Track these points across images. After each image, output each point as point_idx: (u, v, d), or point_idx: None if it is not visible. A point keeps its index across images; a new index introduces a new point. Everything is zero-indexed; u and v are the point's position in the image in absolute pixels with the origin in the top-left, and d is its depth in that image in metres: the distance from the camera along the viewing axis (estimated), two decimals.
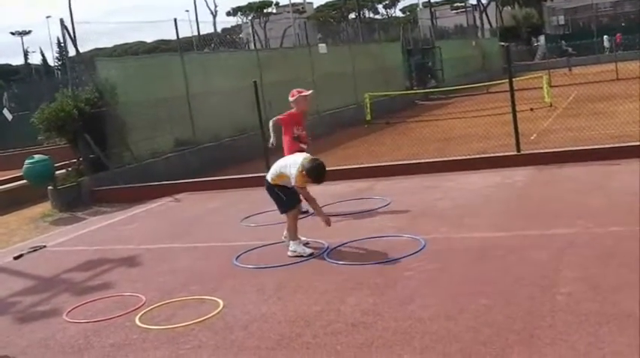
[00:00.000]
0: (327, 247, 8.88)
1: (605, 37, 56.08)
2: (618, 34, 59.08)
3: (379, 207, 11.15)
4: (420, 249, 8.36)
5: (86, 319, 7.37)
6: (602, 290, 6.28)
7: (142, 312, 7.31)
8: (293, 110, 11.43)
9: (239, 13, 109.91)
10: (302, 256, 8.67)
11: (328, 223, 8.74)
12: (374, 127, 25.41)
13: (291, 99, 11.36)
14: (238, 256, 9.05)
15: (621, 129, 15.46)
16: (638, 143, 13.40)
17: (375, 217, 10.56)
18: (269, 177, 8.96)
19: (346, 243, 9.02)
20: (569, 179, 11.63)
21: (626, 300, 5.97)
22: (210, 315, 6.95)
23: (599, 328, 5.52)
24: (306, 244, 8.90)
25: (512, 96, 13.98)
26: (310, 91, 11.72)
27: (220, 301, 7.30)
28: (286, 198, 8.83)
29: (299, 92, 11.40)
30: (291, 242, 8.87)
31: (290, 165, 8.71)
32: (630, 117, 16.85)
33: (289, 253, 8.81)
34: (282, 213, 9.02)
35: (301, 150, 11.45)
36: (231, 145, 20.84)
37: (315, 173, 8.52)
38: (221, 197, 13.94)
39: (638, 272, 6.58)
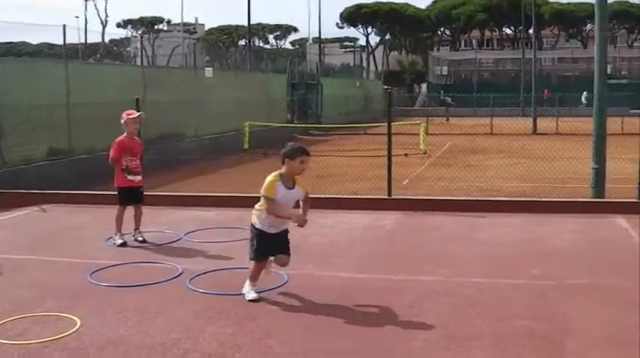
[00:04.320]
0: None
1: (584, 93, 57.27)
2: (545, 90, 60.46)
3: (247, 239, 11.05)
4: (282, 284, 8.37)
5: None
6: (456, 339, 6.46)
7: None
8: (123, 135, 10.97)
9: (129, 26, 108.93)
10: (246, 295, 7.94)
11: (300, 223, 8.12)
12: (251, 157, 25.42)
13: (122, 122, 10.95)
14: (93, 272, 8.88)
15: (490, 183, 15.97)
16: (505, 198, 13.90)
17: (241, 248, 10.47)
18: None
19: (209, 271, 8.96)
20: (436, 227, 11.91)
21: (478, 350, 6.17)
22: (65, 334, 6.77)
23: None
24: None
25: (390, 140, 14.21)
26: (140, 113, 11.32)
27: (77, 320, 7.13)
28: (256, 247, 7.98)
29: (128, 114, 10.96)
30: (248, 282, 8.03)
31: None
32: (500, 172, 17.45)
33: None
34: (249, 259, 8.15)
35: (130, 184, 11.03)
36: (107, 159, 20.36)
37: (291, 149, 8.38)
38: (90, 212, 13.64)
39: (494, 324, 6.81)
